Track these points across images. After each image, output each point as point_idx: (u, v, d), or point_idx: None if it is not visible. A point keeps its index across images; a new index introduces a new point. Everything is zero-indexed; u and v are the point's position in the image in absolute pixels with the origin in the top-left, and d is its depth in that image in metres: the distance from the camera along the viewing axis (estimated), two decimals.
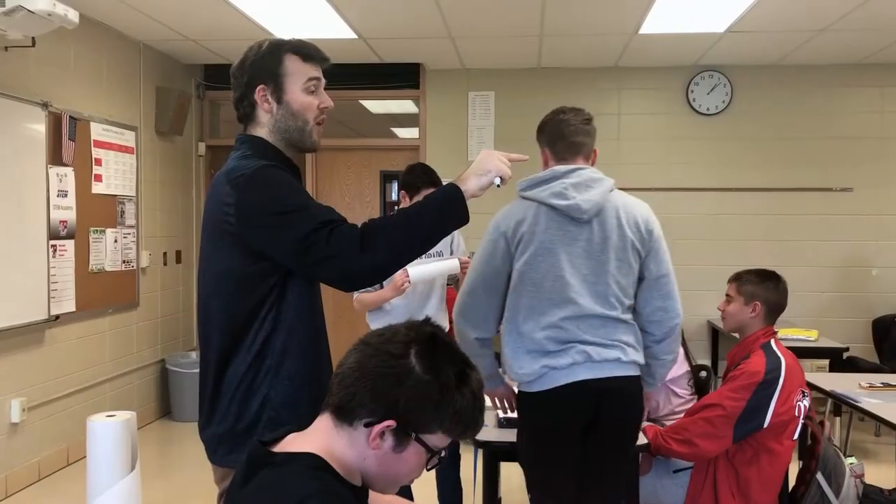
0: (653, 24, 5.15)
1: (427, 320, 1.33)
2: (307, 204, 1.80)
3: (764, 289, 2.93)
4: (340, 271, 1.76)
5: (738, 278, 3.01)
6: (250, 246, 1.81)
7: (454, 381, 1.24)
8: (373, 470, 1.26)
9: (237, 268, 1.83)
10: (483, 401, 1.30)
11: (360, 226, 1.78)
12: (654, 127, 6.44)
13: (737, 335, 3.04)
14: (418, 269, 3.32)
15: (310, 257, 1.75)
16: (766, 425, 2.72)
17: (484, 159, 1.89)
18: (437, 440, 1.26)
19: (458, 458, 3.80)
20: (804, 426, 2.96)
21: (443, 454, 1.28)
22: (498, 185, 1.87)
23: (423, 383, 1.22)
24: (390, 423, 1.21)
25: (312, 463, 1.22)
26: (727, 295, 3.01)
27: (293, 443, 1.28)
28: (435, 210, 1.83)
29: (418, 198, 3.17)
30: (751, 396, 2.71)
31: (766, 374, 2.75)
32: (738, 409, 2.71)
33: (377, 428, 1.22)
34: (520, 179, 2.53)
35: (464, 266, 3.40)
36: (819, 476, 2.74)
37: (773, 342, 2.91)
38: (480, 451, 2.79)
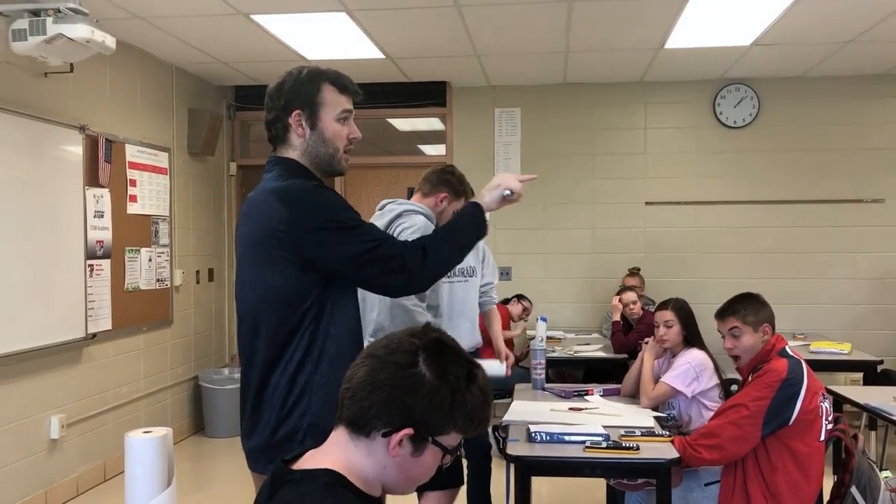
0: (678, 39, 5.17)
1: (428, 325, 1.37)
2: (363, 221, 1.96)
3: (760, 310, 2.94)
4: (404, 281, 1.96)
5: (735, 311, 2.96)
6: (304, 259, 1.89)
7: (464, 382, 1.28)
8: (393, 476, 1.30)
9: (285, 284, 1.90)
10: (491, 395, 1.34)
11: (410, 243, 1.99)
12: (681, 140, 6.44)
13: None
14: None
15: (375, 268, 1.91)
16: (792, 421, 2.72)
17: (497, 178, 2.16)
18: (452, 440, 1.30)
19: (489, 472, 3.81)
20: (838, 439, 2.94)
21: (459, 452, 1.32)
22: (509, 195, 2.13)
23: (436, 389, 1.25)
24: (408, 431, 1.25)
25: (328, 479, 1.25)
26: (733, 329, 2.94)
27: (311, 459, 1.31)
28: (466, 227, 2.08)
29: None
30: (775, 394, 2.72)
31: (789, 372, 2.75)
32: (764, 407, 2.71)
33: (396, 437, 1.25)
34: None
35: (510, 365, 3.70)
36: (853, 490, 2.72)
37: (787, 348, 2.92)
38: (512, 466, 2.81)
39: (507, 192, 2.12)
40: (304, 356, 1.91)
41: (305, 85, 2.01)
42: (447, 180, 3.35)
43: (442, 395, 1.26)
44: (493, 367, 3.49)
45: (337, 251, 1.89)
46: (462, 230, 2.08)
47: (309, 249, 1.88)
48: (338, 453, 1.29)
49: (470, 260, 3.78)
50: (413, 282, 1.98)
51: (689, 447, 2.80)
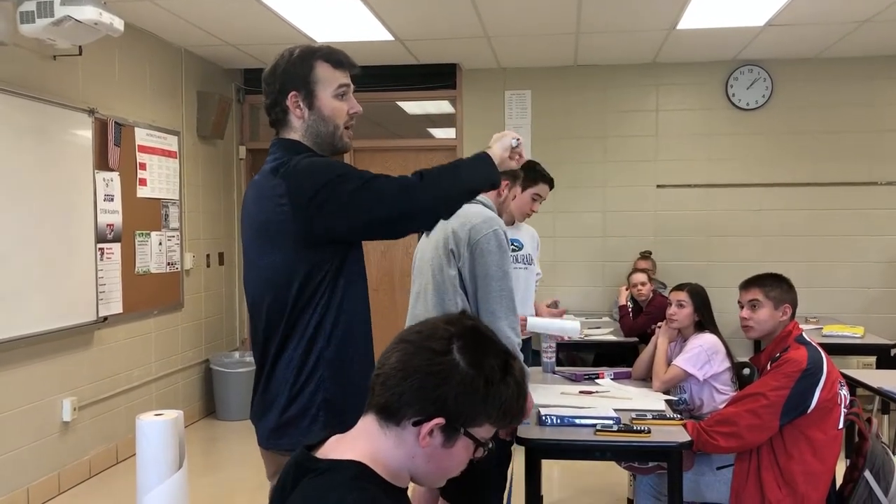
0: (691, 20, 5.11)
1: (464, 312, 1.32)
2: (354, 168, 1.93)
3: (786, 291, 2.93)
4: (398, 212, 1.88)
5: (761, 284, 2.95)
6: (308, 229, 1.87)
7: (499, 373, 1.23)
8: (422, 467, 1.25)
9: (294, 261, 1.89)
10: (526, 388, 1.29)
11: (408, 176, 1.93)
12: (693, 123, 6.38)
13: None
14: (537, 322, 3.31)
15: (367, 201, 1.85)
16: (810, 410, 2.71)
17: (498, 135, 2.09)
18: (485, 432, 1.25)
19: (510, 457, 3.79)
20: (851, 423, 2.92)
21: (490, 445, 1.27)
22: (515, 144, 2.10)
23: (469, 378, 1.20)
24: (440, 420, 1.20)
25: (355, 472, 1.20)
26: (753, 301, 2.94)
27: (337, 447, 1.27)
28: (468, 164, 2.00)
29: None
30: (794, 384, 2.70)
31: (809, 363, 2.73)
32: (783, 398, 2.70)
33: (427, 426, 1.20)
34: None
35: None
36: (867, 474, 2.70)
37: (804, 335, 2.90)
38: (523, 449, 2.80)
39: (514, 140, 2.08)
40: (315, 331, 1.91)
41: (298, 65, 2.00)
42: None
43: (476, 385, 1.20)
44: (573, 326, 3.36)
45: (335, 200, 1.84)
46: (466, 166, 1.99)
47: (309, 212, 1.86)
48: (365, 442, 1.25)
49: (528, 248, 3.75)
50: (413, 209, 1.90)
51: (703, 433, 2.79)
